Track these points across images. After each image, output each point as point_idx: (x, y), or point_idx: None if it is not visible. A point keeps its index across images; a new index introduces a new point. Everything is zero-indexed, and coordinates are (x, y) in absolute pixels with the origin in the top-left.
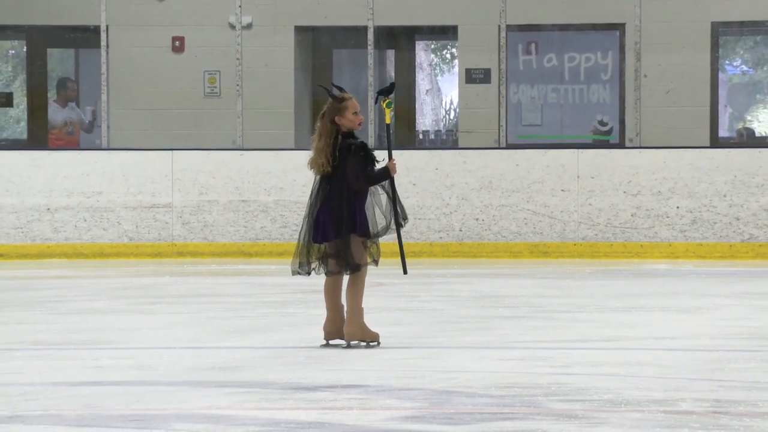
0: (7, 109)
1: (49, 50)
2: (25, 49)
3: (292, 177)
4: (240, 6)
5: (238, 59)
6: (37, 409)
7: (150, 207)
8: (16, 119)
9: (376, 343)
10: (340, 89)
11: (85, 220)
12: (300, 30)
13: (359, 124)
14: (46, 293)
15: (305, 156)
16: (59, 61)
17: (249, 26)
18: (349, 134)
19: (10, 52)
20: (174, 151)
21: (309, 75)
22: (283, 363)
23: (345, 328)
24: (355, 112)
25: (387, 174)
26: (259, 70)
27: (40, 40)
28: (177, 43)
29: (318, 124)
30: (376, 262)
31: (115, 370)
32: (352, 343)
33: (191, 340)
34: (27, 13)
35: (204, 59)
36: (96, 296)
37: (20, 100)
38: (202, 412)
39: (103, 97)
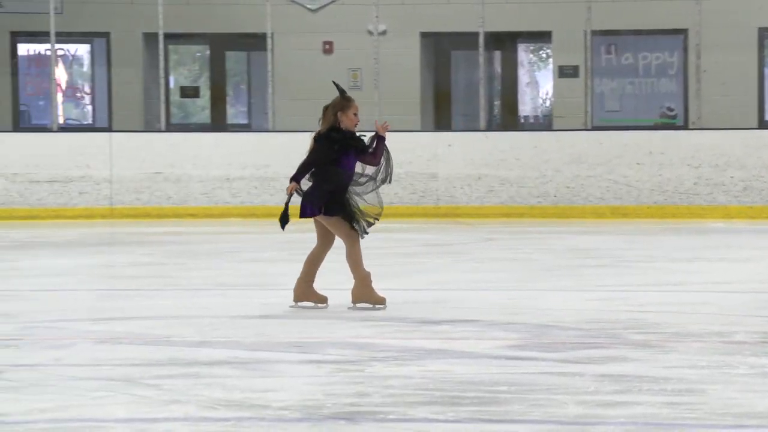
0: (195, 99)
1: (227, 53)
2: (208, 52)
3: (418, 153)
4: (377, 16)
5: (375, 59)
6: (221, 337)
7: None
8: (201, 107)
9: (382, 306)
10: (343, 91)
11: (256, 188)
12: (424, 35)
13: (356, 125)
14: (227, 246)
15: (429, 135)
16: (235, 61)
17: (384, 32)
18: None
19: (197, 54)
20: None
21: (432, 72)
22: (414, 301)
23: (354, 290)
24: (356, 113)
25: (378, 137)
26: (391, 67)
27: (220, 44)
28: (327, 46)
29: (320, 117)
30: (375, 220)
31: (280, 306)
32: (358, 305)
33: (339, 283)
34: (210, 23)
35: (348, 59)
36: (265, 248)
37: (204, 92)
38: (350, 341)
39: (269, 90)
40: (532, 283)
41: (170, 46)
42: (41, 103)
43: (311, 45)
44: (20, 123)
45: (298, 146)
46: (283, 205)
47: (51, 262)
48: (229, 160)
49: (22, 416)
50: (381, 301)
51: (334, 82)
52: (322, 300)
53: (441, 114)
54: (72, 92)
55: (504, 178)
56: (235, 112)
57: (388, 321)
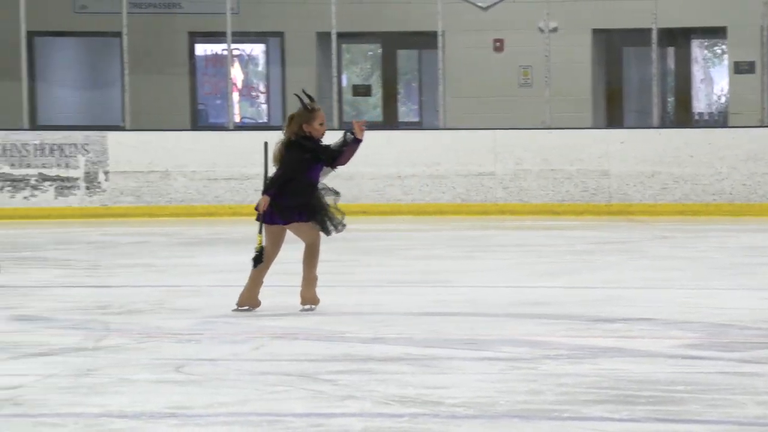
0: (367, 98)
1: (398, 51)
2: (380, 51)
3: (590, 150)
4: (548, 13)
5: (546, 56)
6: (394, 333)
7: (477, 175)
8: (373, 105)
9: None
10: (311, 99)
11: (427, 185)
12: (596, 32)
13: (323, 135)
14: (398, 243)
15: (600, 133)
16: (406, 59)
17: (555, 30)
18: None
19: (369, 53)
20: (496, 130)
21: (603, 69)
22: (587, 299)
23: (304, 293)
24: (321, 123)
25: (355, 139)
26: (562, 64)
27: (392, 43)
28: (497, 44)
29: (285, 125)
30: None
31: (453, 303)
32: (306, 307)
33: (512, 280)
34: (382, 21)
35: (519, 56)
36: (437, 245)
37: (376, 91)
38: (522, 338)
39: (440, 88)
40: (707, 281)
41: (343, 45)
42: (218, 102)
43: (482, 43)
44: (198, 122)
45: (468, 144)
46: (257, 235)
47: (229, 258)
48: (400, 158)
49: (203, 409)
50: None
51: (296, 94)
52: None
53: (612, 111)
54: (247, 91)
55: (678, 175)
56: (406, 110)
57: (561, 319)
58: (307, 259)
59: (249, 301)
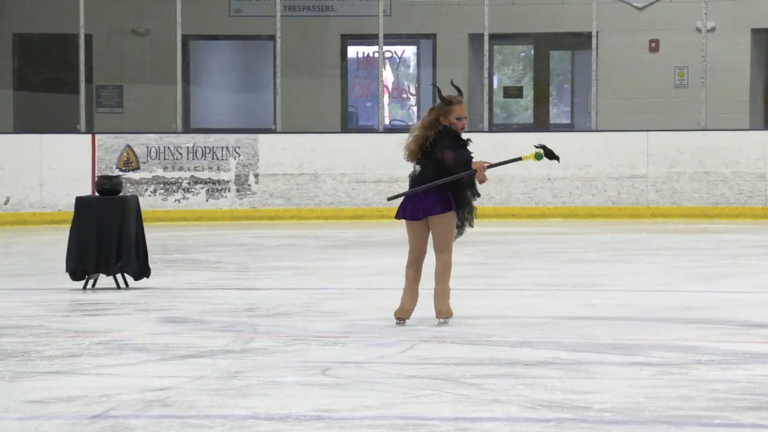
0: (518, 99)
1: (551, 52)
2: (532, 52)
3: (747, 152)
4: (705, 13)
5: (702, 56)
6: (542, 337)
7: (629, 177)
8: (524, 107)
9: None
10: (459, 91)
11: (578, 188)
12: (756, 32)
13: (462, 128)
14: (548, 246)
15: (758, 134)
16: (559, 61)
17: (713, 30)
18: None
19: (521, 54)
20: (649, 132)
21: (763, 69)
22: (741, 304)
23: (438, 305)
24: (459, 117)
25: (469, 164)
26: (720, 65)
27: (545, 44)
28: (653, 44)
29: (425, 116)
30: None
31: (602, 307)
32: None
33: (663, 284)
34: (535, 22)
35: (674, 57)
36: (587, 248)
37: (527, 92)
38: (673, 343)
39: (593, 89)
40: None
41: (495, 47)
42: (368, 104)
43: (637, 43)
44: (348, 124)
45: (621, 146)
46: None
47: (377, 261)
48: (550, 161)
49: (348, 412)
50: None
51: (433, 84)
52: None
53: None
54: (398, 93)
55: None
56: (557, 112)
57: (714, 323)
58: (439, 271)
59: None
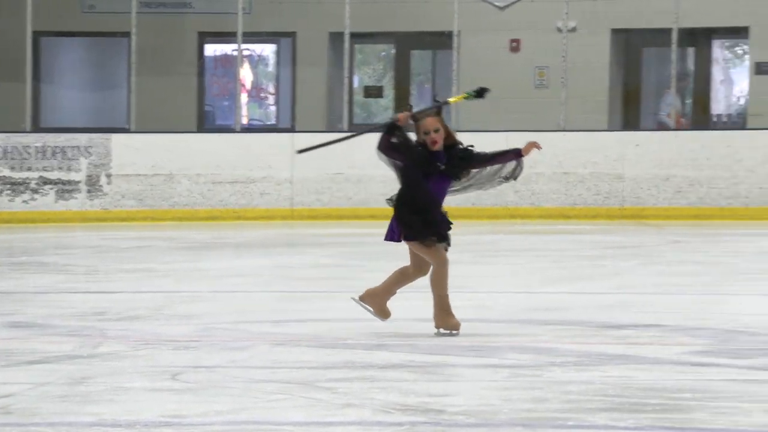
0: (378, 99)
1: (412, 52)
2: (393, 51)
3: (604, 153)
4: (566, 13)
5: (563, 57)
6: (397, 340)
7: None
8: (384, 107)
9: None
10: (437, 106)
11: None
12: (615, 32)
13: (433, 142)
14: (406, 248)
15: (616, 135)
16: (420, 60)
17: (573, 30)
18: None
19: (382, 53)
20: (508, 132)
21: (621, 70)
22: (597, 305)
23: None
24: (426, 132)
25: (385, 142)
26: (580, 65)
27: (406, 43)
28: (514, 44)
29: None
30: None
31: (460, 309)
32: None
33: (521, 286)
34: (396, 21)
35: (535, 57)
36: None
37: (388, 92)
38: (528, 345)
39: (453, 89)
40: (720, 287)
41: (356, 46)
42: (226, 103)
43: (498, 43)
44: (204, 124)
45: (479, 146)
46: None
47: (232, 263)
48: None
49: (198, 417)
50: (457, 326)
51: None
52: (386, 314)
53: (629, 113)
54: (256, 92)
55: (693, 178)
56: None
57: (569, 325)
58: (431, 281)
59: (378, 306)
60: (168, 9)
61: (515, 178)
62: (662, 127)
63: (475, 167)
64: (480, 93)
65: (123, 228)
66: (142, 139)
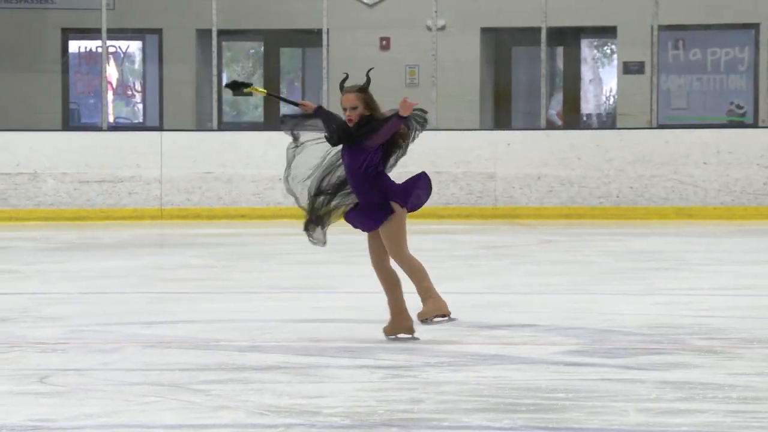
0: (248, 97)
1: (281, 49)
2: (262, 49)
3: (477, 152)
4: (435, 11)
5: (433, 55)
6: (271, 340)
7: None
8: (254, 106)
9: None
10: (366, 82)
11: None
12: (485, 31)
13: (349, 120)
14: (277, 247)
15: (488, 134)
16: (289, 58)
17: (443, 28)
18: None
19: (251, 51)
20: None
21: (492, 68)
22: (471, 305)
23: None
24: (344, 108)
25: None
26: (450, 64)
27: (275, 40)
28: (384, 42)
29: None
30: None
31: (332, 309)
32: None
33: None
34: (264, 19)
35: (405, 55)
36: (316, 250)
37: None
38: (403, 346)
39: (324, 87)
40: (592, 286)
41: (224, 43)
42: (91, 101)
43: (368, 41)
44: (70, 122)
45: None
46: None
47: (100, 264)
48: (282, 160)
49: (68, 421)
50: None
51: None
52: (412, 330)
53: (500, 112)
54: (123, 90)
55: (565, 178)
56: (288, 110)
57: (443, 325)
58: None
59: (404, 327)
60: (29, 4)
61: (423, 127)
62: (552, 125)
63: (366, 137)
64: (233, 86)
65: None
66: (5, 138)
